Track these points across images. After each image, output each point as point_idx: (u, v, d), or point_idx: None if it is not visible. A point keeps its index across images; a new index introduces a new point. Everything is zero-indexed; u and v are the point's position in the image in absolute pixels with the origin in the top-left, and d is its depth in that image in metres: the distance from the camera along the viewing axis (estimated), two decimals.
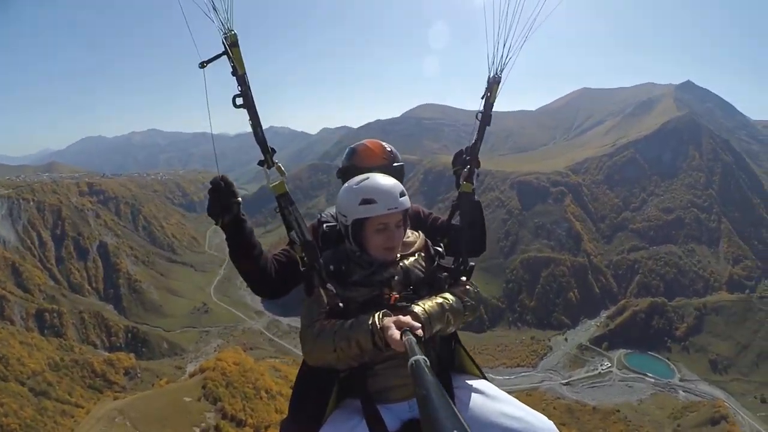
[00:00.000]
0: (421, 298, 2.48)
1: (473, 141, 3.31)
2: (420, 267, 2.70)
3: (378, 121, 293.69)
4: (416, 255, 2.76)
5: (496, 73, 3.14)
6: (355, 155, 3.39)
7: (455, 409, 1.14)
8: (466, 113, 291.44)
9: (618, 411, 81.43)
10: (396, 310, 2.29)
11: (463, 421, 1.08)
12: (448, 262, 2.83)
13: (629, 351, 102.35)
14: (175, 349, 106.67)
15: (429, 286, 2.65)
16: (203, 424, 48.56)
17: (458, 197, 3.24)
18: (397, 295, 2.45)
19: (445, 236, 3.07)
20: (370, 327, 2.18)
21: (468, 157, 3.30)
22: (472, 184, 3.25)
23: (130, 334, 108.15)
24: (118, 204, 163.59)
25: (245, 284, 2.93)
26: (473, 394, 2.53)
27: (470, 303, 2.61)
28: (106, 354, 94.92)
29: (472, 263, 2.88)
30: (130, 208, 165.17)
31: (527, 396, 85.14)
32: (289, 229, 2.64)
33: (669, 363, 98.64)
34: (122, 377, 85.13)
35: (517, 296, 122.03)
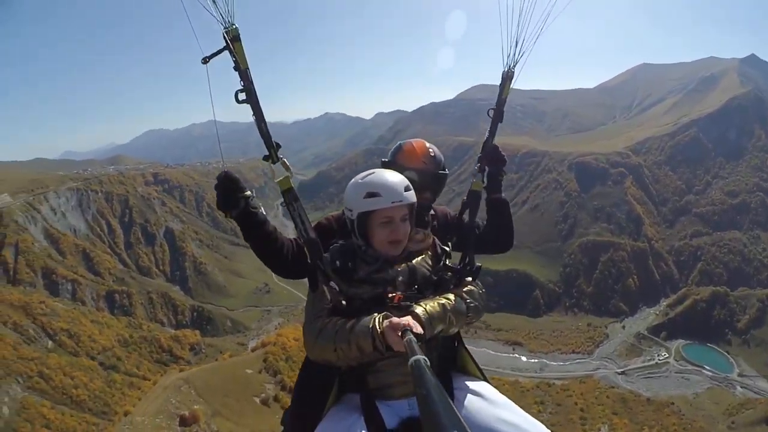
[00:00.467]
0: (425, 297, 2.54)
1: (485, 138, 3.39)
2: (426, 266, 2.75)
3: (432, 104, 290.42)
4: (423, 254, 2.80)
5: (510, 69, 3.24)
6: (399, 153, 3.38)
7: (455, 409, 1.14)
8: (521, 93, 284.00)
9: (672, 403, 78.28)
10: (399, 309, 2.34)
11: (462, 421, 1.08)
12: (455, 261, 2.87)
13: (688, 342, 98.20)
14: (238, 327, 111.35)
15: (434, 286, 2.69)
16: (263, 395, 50.49)
17: (468, 195, 3.31)
18: (401, 295, 2.49)
19: (456, 234, 3.11)
20: (371, 330, 2.18)
21: (479, 155, 3.40)
22: (483, 182, 3.33)
23: (195, 313, 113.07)
24: (182, 192, 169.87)
25: None
26: (472, 397, 2.57)
27: (473, 304, 2.64)
28: (173, 331, 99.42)
29: (479, 264, 2.89)
30: (194, 196, 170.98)
31: (581, 383, 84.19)
32: (295, 222, 2.75)
33: (728, 356, 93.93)
34: (187, 352, 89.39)
35: (575, 281, 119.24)
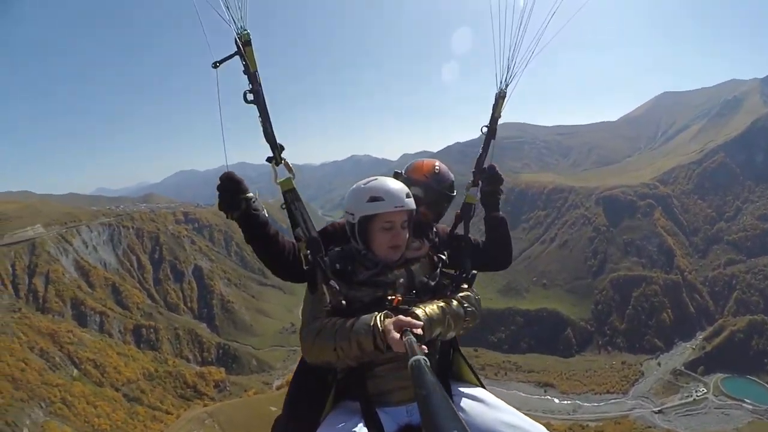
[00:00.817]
0: (424, 302, 2.53)
1: (479, 154, 3.44)
2: (423, 272, 2.78)
3: (457, 144, 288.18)
4: (420, 261, 2.84)
5: (502, 89, 3.33)
6: (409, 168, 3.41)
7: (455, 410, 1.13)
8: (545, 129, 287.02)
9: None
10: (398, 312, 2.29)
11: (463, 421, 1.07)
12: (450, 270, 2.92)
13: (726, 375, 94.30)
14: (264, 366, 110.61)
15: (432, 292, 2.70)
16: None
17: (462, 208, 3.36)
18: (400, 298, 2.47)
19: (449, 246, 3.09)
20: (372, 328, 2.19)
21: (473, 170, 3.45)
22: (476, 196, 3.38)
23: (221, 351, 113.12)
24: (211, 231, 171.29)
25: None
26: (472, 402, 2.56)
27: (471, 308, 2.67)
28: (198, 368, 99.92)
29: (474, 271, 2.92)
30: (222, 235, 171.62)
31: (616, 424, 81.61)
32: (294, 225, 2.74)
33: None
34: (212, 389, 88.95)
35: (607, 318, 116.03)
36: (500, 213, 3.46)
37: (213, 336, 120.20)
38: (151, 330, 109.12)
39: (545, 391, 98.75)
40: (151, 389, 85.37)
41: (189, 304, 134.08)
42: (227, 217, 2.70)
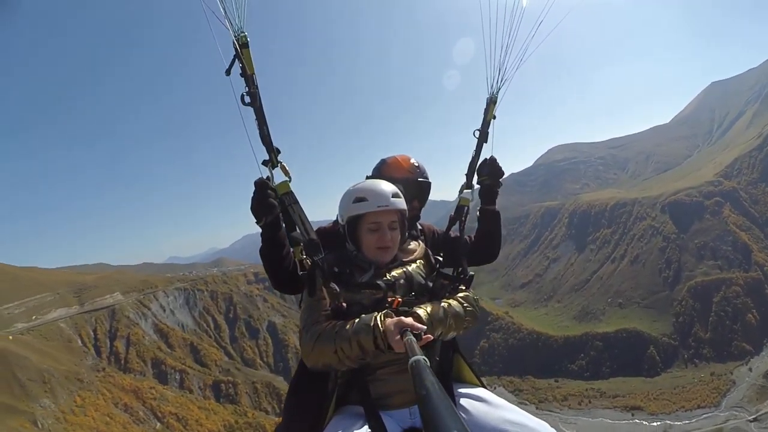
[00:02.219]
0: (424, 303, 2.60)
1: (471, 157, 3.50)
2: (421, 274, 2.81)
3: (512, 175, 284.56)
4: (417, 262, 2.88)
5: (493, 94, 3.43)
6: (384, 166, 3.49)
7: (456, 410, 1.14)
8: (598, 145, 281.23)
9: None
10: (398, 313, 2.33)
11: (463, 421, 1.07)
12: (448, 271, 3.00)
13: None
14: None
15: (430, 293, 2.76)
16: None
17: (455, 210, 3.43)
18: (400, 300, 2.52)
19: (443, 249, 3.17)
20: (372, 328, 2.21)
21: (466, 173, 3.50)
22: (470, 198, 3.44)
23: None
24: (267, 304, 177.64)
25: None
26: (475, 402, 2.55)
27: (470, 309, 2.71)
28: (277, 419, 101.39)
29: (472, 273, 2.99)
30: None
31: None
32: (290, 229, 2.79)
33: None
34: None
35: (690, 329, 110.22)
36: (495, 207, 3.52)
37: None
38: (230, 385, 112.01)
39: (633, 415, 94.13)
40: None
41: (265, 359, 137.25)
42: (258, 222, 2.76)
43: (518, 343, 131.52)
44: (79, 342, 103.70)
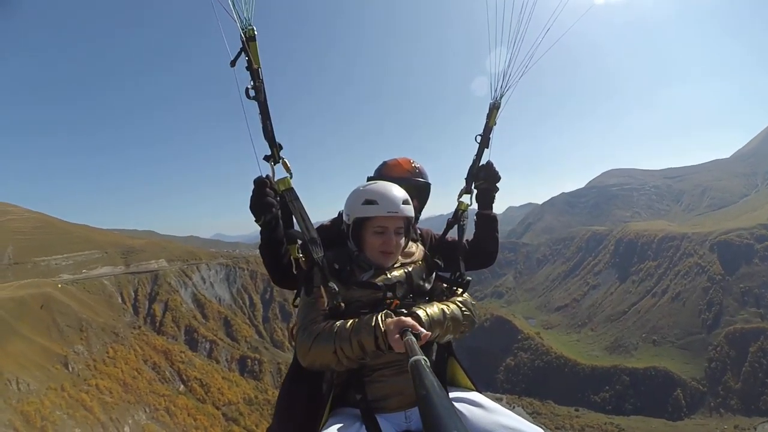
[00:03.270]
0: (423, 304, 2.55)
1: (472, 161, 3.45)
2: (420, 276, 2.76)
3: (562, 194, 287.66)
4: (417, 264, 2.82)
5: (497, 99, 3.37)
6: (384, 167, 3.51)
7: (455, 410, 1.18)
8: (654, 174, 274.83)
9: None
10: (397, 314, 2.29)
11: (462, 422, 1.17)
12: (445, 274, 2.96)
13: None
14: None
15: (428, 296, 2.75)
16: None
17: (454, 214, 3.37)
18: (398, 301, 2.50)
19: (441, 253, 3.10)
20: (374, 328, 2.19)
21: (466, 177, 3.44)
22: (470, 203, 3.39)
23: None
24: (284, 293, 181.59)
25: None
26: (469, 406, 2.49)
27: (468, 313, 2.64)
28: None
29: (469, 277, 2.92)
30: None
31: None
32: (287, 227, 2.75)
33: None
34: None
35: (721, 377, 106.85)
36: (492, 211, 3.50)
37: None
38: (256, 362, 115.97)
39: None
40: (249, 413, 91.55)
41: (293, 343, 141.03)
42: (257, 221, 2.77)
43: (545, 365, 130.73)
44: (120, 300, 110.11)
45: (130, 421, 74.12)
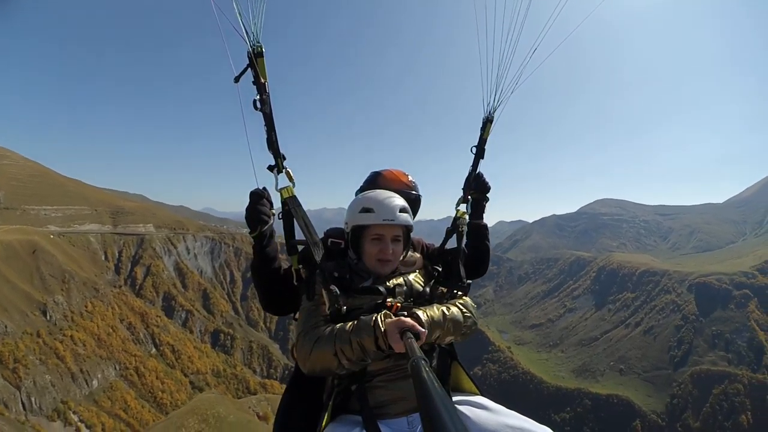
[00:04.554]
0: (424, 306, 2.55)
1: (469, 171, 3.49)
2: (420, 283, 2.78)
3: (553, 216, 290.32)
4: (416, 272, 2.84)
5: (490, 113, 3.41)
6: (380, 178, 3.46)
7: (455, 410, 1.16)
8: (646, 209, 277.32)
9: None
10: (397, 316, 2.26)
11: (463, 422, 1.12)
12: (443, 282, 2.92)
13: None
14: None
15: (429, 301, 2.69)
16: None
17: (453, 222, 3.37)
18: (399, 304, 2.46)
19: (441, 261, 3.13)
20: (373, 329, 2.16)
21: (462, 187, 3.46)
22: (467, 211, 3.43)
23: (287, 372, 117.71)
24: None
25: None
26: (475, 409, 2.45)
27: (469, 315, 2.63)
28: (262, 380, 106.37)
29: (469, 281, 2.93)
30: None
31: None
32: (289, 236, 2.72)
33: None
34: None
35: (681, 414, 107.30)
36: (483, 221, 3.53)
37: (283, 357, 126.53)
38: (228, 337, 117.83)
39: None
40: (215, 384, 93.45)
41: (268, 324, 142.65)
42: (251, 233, 2.72)
43: (511, 379, 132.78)
44: (103, 258, 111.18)
45: (99, 376, 76.04)
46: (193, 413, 57.09)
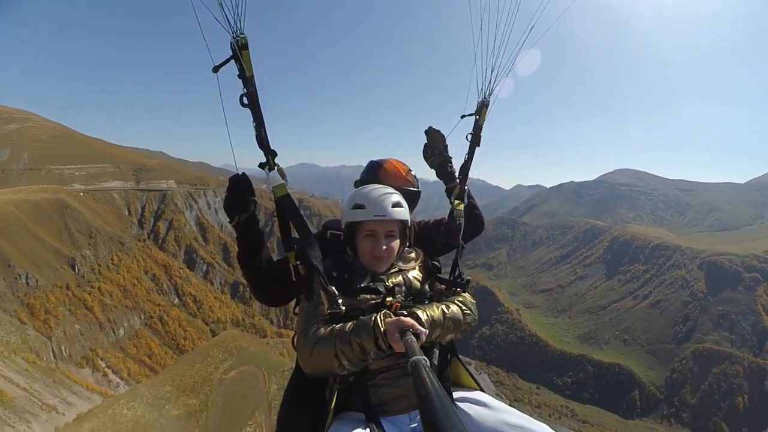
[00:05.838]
0: (423, 305, 2.50)
1: (464, 160, 3.37)
2: (419, 280, 2.71)
3: (571, 182, 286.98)
4: (416, 268, 2.77)
5: (485, 97, 3.34)
6: (380, 171, 3.27)
7: (455, 410, 1.15)
8: (666, 182, 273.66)
9: None
10: (397, 315, 2.19)
11: (462, 421, 1.09)
12: (444, 276, 2.89)
13: None
14: None
15: (429, 298, 2.67)
16: None
17: (449, 214, 3.28)
18: (399, 304, 2.45)
19: (432, 237, 3.17)
20: (373, 329, 2.12)
21: (460, 177, 3.36)
22: (464, 202, 3.29)
23: None
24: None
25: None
26: (474, 406, 2.44)
27: (468, 312, 2.60)
28: (279, 329, 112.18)
29: (468, 277, 2.86)
30: None
31: None
32: (285, 234, 2.61)
33: None
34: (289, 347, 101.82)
35: (679, 390, 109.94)
36: (457, 181, 3.38)
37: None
38: (247, 289, 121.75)
39: None
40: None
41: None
42: (231, 222, 2.68)
43: (517, 341, 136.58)
44: (127, 213, 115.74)
45: (125, 324, 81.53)
46: (218, 346, 62.38)
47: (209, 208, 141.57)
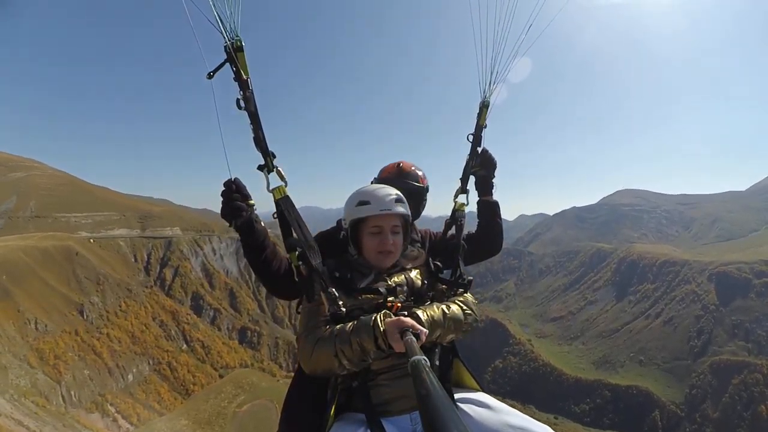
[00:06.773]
0: (424, 305, 2.54)
1: (466, 161, 3.43)
2: (421, 280, 2.74)
3: (573, 208, 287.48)
4: (418, 268, 2.81)
5: (485, 98, 3.36)
6: (382, 171, 3.48)
7: (455, 410, 1.14)
8: (668, 198, 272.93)
9: None
10: (397, 316, 2.23)
11: (463, 421, 1.08)
12: (446, 275, 2.89)
13: None
14: None
15: (430, 298, 2.71)
16: None
17: (452, 214, 3.32)
18: (400, 304, 2.47)
19: (443, 248, 3.15)
20: (373, 329, 2.16)
21: (461, 177, 3.41)
22: (466, 202, 3.37)
23: None
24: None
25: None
26: (476, 407, 2.47)
27: (469, 312, 2.62)
28: (287, 373, 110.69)
29: (470, 277, 2.88)
30: None
31: None
32: (287, 235, 2.63)
33: None
34: None
35: (700, 405, 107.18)
36: (492, 197, 3.50)
37: None
38: (255, 334, 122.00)
39: None
40: None
41: (293, 321, 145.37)
42: (230, 225, 2.64)
43: (531, 371, 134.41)
44: (133, 260, 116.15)
45: (134, 370, 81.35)
46: (231, 382, 62.58)
47: (214, 254, 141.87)
